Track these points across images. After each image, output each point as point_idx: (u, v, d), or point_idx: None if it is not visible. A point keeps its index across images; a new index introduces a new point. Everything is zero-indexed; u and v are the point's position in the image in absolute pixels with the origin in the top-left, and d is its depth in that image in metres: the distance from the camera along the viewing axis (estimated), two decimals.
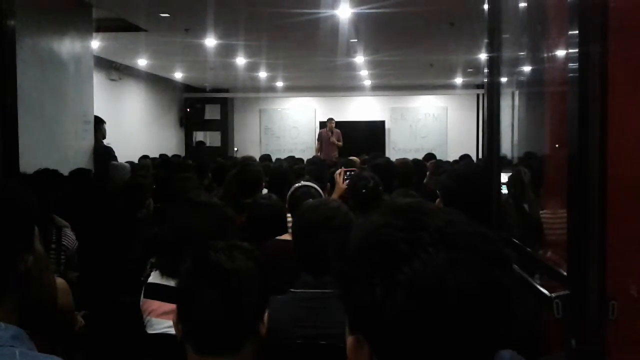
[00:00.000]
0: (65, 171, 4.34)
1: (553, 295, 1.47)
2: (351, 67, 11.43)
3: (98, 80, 8.86)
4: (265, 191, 4.02)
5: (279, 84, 14.60)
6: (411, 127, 15.59)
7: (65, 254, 3.31)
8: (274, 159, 9.52)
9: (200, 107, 15.44)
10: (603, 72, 1.40)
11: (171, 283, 2.02)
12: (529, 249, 2.12)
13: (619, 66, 1.43)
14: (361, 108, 15.70)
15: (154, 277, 2.16)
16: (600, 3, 1.41)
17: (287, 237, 2.80)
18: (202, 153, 12.11)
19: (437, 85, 14.75)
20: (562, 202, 1.59)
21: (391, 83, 14.19)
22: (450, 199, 2.38)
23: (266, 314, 1.49)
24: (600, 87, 1.40)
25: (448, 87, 14.71)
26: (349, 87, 14.64)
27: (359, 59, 10.43)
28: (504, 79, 2.57)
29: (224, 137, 15.57)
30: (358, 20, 7.19)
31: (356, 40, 8.57)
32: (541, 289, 1.60)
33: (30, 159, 3.63)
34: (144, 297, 2.15)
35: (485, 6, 2.52)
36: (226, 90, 15.55)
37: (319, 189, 3.27)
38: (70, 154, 5.86)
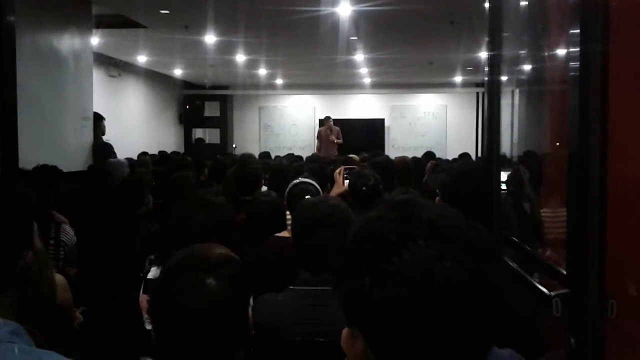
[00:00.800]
0: (64, 167, 4.33)
1: (552, 293, 1.47)
2: (351, 65, 11.42)
3: (97, 76, 8.85)
4: (264, 188, 4.02)
5: (279, 81, 14.59)
6: (411, 125, 15.59)
7: (64, 249, 3.32)
8: (273, 157, 9.52)
9: (200, 104, 15.42)
10: (604, 70, 1.39)
11: None
12: (528, 248, 2.12)
13: (620, 65, 1.43)
14: (361, 106, 15.70)
15: (153, 273, 2.16)
16: (601, 1, 1.41)
17: (285, 234, 2.80)
18: (201, 150, 12.12)
19: (436, 84, 14.76)
20: (562, 200, 1.59)
21: (391, 81, 14.19)
22: (450, 197, 2.37)
23: (250, 314, 1.43)
24: (601, 85, 1.40)
25: (448, 86, 14.71)
26: (349, 84, 14.64)
27: (359, 56, 10.42)
28: (504, 78, 2.57)
29: (223, 134, 15.56)
30: (358, 18, 7.18)
31: (356, 38, 8.56)
32: (540, 287, 1.60)
33: (30, 155, 3.63)
34: (143, 293, 2.15)
35: (486, 4, 2.52)
36: (226, 88, 15.54)
37: (317, 185, 3.27)
38: (69, 151, 5.85)
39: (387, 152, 12.26)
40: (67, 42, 5.96)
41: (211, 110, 15.58)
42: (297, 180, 3.32)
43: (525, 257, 2.05)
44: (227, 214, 2.19)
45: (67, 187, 4.04)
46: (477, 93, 14.64)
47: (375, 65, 11.44)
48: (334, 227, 1.89)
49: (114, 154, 6.64)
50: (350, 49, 9.43)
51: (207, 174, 5.99)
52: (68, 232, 3.37)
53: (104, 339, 2.83)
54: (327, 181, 4.21)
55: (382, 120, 15.49)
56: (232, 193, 3.70)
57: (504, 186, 2.53)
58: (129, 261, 3.08)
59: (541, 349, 1.83)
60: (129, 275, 2.87)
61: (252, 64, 11.51)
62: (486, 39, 2.57)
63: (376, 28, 7.84)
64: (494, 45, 2.50)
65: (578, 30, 1.43)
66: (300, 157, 9.04)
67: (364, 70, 12.46)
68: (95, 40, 7.79)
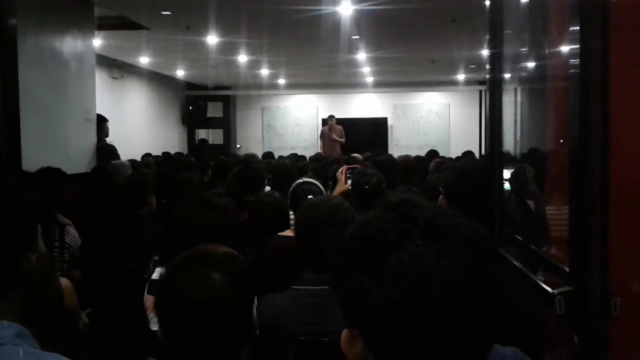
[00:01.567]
0: (67, 169, 4.34)
1: (555, 291, 1.47)
2: (353, 64, 11.42)
3: (100, 78, 8.87)
4: (267, 189, 4.02)
5: (281, 81, 14.59)
6: (414, 124, 15.57)
7: (68, 252, 3.33)
8: (276, 157, 9.52)
9: (203, 105, 15.43)
10: (604, 68, 1.39)
11: None
12: (531, 246, 2.12)
13: (621, 62, 1.43)
14: (363, 105, 15.69)
15: (157, 274, 2.17)
16: None
17: (288, 233, 2.80)
18: (204, 151, 12.12)
19: (439, 82, 14.73)
20: (565, 198, 1.59)
21: (393, 80, 14.17)
22: (453, 195, 2.37)
23: (255, 313, 1.44)
24: (601, 83, 1.40)
25: (450, 84, 14.68)
26: (351, 84, 14.63)
27: (361, 55, 10.42)
28: (506, 75, 2.56)
29: (226, 135, 15.57)
30: (360, 17, 7.18)
31: (358, 37, 8.56)
32: (543, 285, 1.60)
33: (33, 158, 3.63)
34: (147, 293, 2.16)
35: (487, 2, 2.52)
36: (228, 88, 15.54)
37: (320, 185, 3.28)
38: (72, 153, 5.87)
39: (390, 151, 12.25)
40: (69, 44, 5.98)
41: (214, 110, 15.59)
42: (300, 180, 3.33)
43: (528, 255, 2.05)
44: (230, 216, 2.20)
45: (71, 189, 4.05)
46: (480, 91, 14.61)
47: (377, 64, 11.43)
48: (337, 226, 1.89)
49: (117, 156, 6.65)
50: (352, 48, 9.43)
51: (211, 174, 6.00)
52: (72, 235, 3.38)
53: (108, 341, 2.83)
54: (330, 180, 4.21)
55: (385, 119, 15.48)
56: (235, 193, 3.71)
57: (507, 184, 2.53)
58: (132, 262, 3.09)
59: (544, 347, 1.83)
60: (133, 276, 2.88)
61: (254, 64, 11.52)
62: (487, 36, 2.56)
63: (378, 27, 7.83)
64: (495, 43, 2.50)
65: (578, 28, 1.43)
66: (303, 157, 9.04)
67: (366, 69, 12.45)
68: (97, 42, 7.80)
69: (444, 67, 12.23)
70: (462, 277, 0.72)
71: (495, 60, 2.51)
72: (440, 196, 2.50)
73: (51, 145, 5.37)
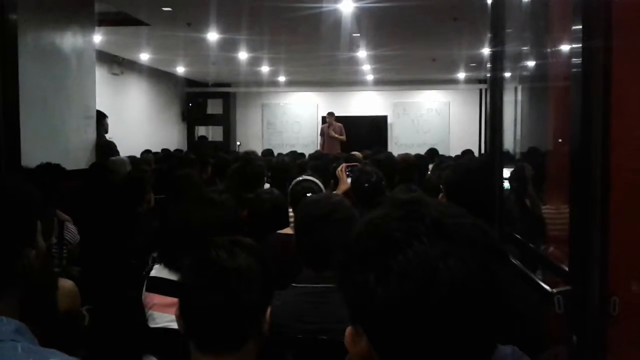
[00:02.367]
0: (67, 166, 4.33)
1: (554, 290, 1.47)
2: (353, 62, 11.41)
3: (100, 74, 8.86)
4: (267, 186, 4.02)
5: (281, 78, 14.59)
6: (414, 122, 15.56)
7: (67, 248, 3.32)
8: (276, 154, 9.52)
9: (203, 102, 15.43)
10: (606, 67, 1.39)
11: (173, 276, 2.02)
12: (531, 245, 2.12)
13: (623, 61, 1.42)
14: (363, 103, 15.68)
15: (156, 271, 2.16)
16: None
17: (288, 231, 2.80)
18: (204, 148, 12.11)
19: (439, 80, 14.73)
20: (564, 197, 1.59)
21: (394, 78, 14.17)
22: (454, 193, 2.37)
23: (269, 310, 1.48)
24: (603, 82, 1.39)
25: (451, 82, 14.68)
26: (352, 81, 14.63)
27: (362, 53, 10.41)
28: (507, 74, 2.56)
29: (226, 132, 15.56)
30: (360, 14, 7.17)
31: (358, 34, 8.55)
32: (542, 284, 1.60)
33: (32, 154, 3.63)
34: (146, 290, 2.16)
35: (488, 0, 2.51)
36: (228, 85, 15.54)
37: (319, 183, 3.28)
38: (72, 149, 5.86)
39: (390, 149, 12.23)
40: (69, 40, 5.97)
41: (214, 107, 15.59)
42: (300, 178, 3.33)
43: (528, 254, 2.05)
44: (229, 213, 2.20)
45: (71, 185, 4.04)
46: (481, 90, 14.60)
47: (377, 62, 11.43)
48: (336, 224, 1.89)
49: (117, 152, 6.65)
50: (352, 45, 9.42)
51: (210, 171, 5.99)
52: (71, 231, 3.37)
53: (107, 337, 2.83)
54: (330, 178, 4.21)
55: (385, 117, 15.47)
56: (234, 190, 3.70)
57: (507, 183, 2.53)
58: (131, 259, 3.09)
59: (544, 346, 1.83)
60: (131, 272, 2.88)
61: (254, 62, 11.51)
62: (489, 35, 2.56)
63: (378, 25, 7.83)
64: (497, 42, 2.50)
65: (581, 27, 1.42)
66: (303, 155, 9.03)
67: (366, 67, 12.45)
68: (97, 38, 7.79)
69: (444, 66, 12.22)
70: (468, 277, 0.72)
71: (497, 58, 2.51)
72: (440, 194, 2.50)
73: (51, 141, 5.37)
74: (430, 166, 6.43)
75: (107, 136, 6.99)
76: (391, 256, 0.74)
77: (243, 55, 10.58)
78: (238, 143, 15.39)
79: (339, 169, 3.86)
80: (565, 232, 1.56)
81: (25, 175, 3.15)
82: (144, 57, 11.19)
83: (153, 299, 2.10)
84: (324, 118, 13.51)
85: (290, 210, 3.15)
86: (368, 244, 0.77)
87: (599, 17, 1.40)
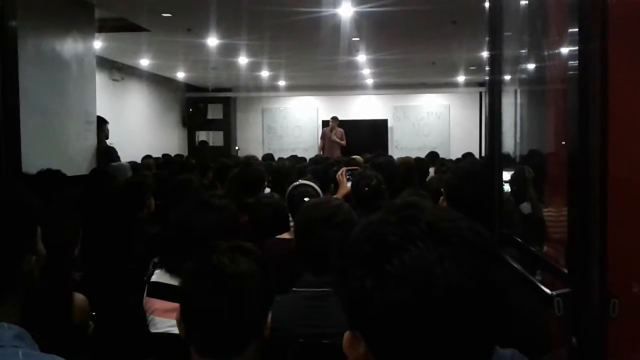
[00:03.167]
0: (68, 172, 4.34)
1: (554, 293, 1.47)
2: (353, 66, 11.42)
3: (100, 80, 8.88)
4: (267, 190, 4.02)
5: (281, 83, 14.60)
6: (414, 126, 15.57)
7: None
8: (276, 158, 9.52)
9: (203, 107, 15.44)
10: (603, 69, 1.39)
11: (174, 281, 2.03)
12: (530, 247, 2.12)
13: (620, 63, 1.43)
14: (364, 107, 15.69)
15: (157, 276, 2.17)
16: (600, 0, 1.41)
17: (287, 235, 2.81)
18: (205, 153, 12.13)
19: (439, 84, 14.74)
20: (564, 199, 1.59)
21: (393, 81, 14.18)
22: (454, 197, 2.37)
23: (269, 314, 1.49)
24: (600, 85, 1.40)
25: (451, 86, 14.68)
26: (352, 85, 14.64)
27: (361, 57, 10.43)
28: (505, 77, 2.56)
29: (226, 137, 15.57)
30: (360, 18, 7.18)
31: (358, 38, 8.56)
32: (542, 286, 1.60)
33: (33, 160, 3.64)
34: (147, 295, 2.16)
35: (486, 4, 2.52)
36: (228, 90, 15.54)
37: (317, 187, 3.28)
38: (73, 155, 5.87)
39: (390, 153, 12.25)
40: (69, 46, 5.98)
41: (214, 112, 15.60)
42: (297, 183, 3.33)
43: (527, 256, 2.05)
44: (230, 217, 2.20)
45: (72, 191, 4.05)
46: (480, 93, 14.60)
47: (377, 65, 11.44)
48: (336, 228, 1.89)
49: (117, 158, 6.66)
50: (352, 50, 9.43)
51: (211, 176, 6.00)
52: None
53: (109, 343, 2.83)
54: (331, 182, 4.21)
55: (385, 121, 15.48)
56: (235, 195, 3.71)
57: (507, 185, 2.53)
58: (132, 264, 3.09)
59: (543, 348, 1.83)
60: (132, 278, 2.88)
61: (254, 66, 11.53)
62: (487, 38, 2.56)
63: (378, 29, 7.84)
64: (495, 45, 2.50)
65: (577, 29, 1.43)
66: (303, 159, 9.04)
67: (366, 71, 12.46)
68: (97, 44, 7.81)
69: (444, 69, 12.23)
70: (464, 281, 0.73)
71: (495, 62, 2.51)
72: (441, 197, 2.50)
73: (51, 147, 5.38)
74: (432, 170, 6.44)
75: (108, 142, 7.00)
76: (387, 260, 0.74)
77: (243, 60, 10.60)
78: (237, 148, 15.38)
79: (339, 172, 3.86)
80: (564, 234, 1.56)
81: (26, 181, 3.15)
82: (144, 62, 11.21)
83: (154, 304, 2.11)
84: (324, 122, 13.51)
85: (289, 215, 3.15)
86: (364, 248, 0.77)
87: (596, 19, 1.40)
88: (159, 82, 13.07)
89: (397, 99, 15.50)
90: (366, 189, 3.37)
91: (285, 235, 2.83)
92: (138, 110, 12.22)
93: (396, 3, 6.26)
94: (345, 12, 6.86)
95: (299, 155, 10.31)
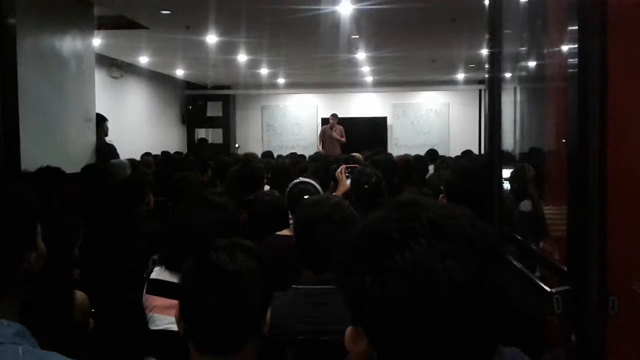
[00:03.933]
0: (67, 169, 4.34)
1: (553, 290, 1.47)
2: (353, 64, 11.41)
3: (99, 78, 8.86)
4: (267, 188, 4.02)
5: (281, 80, 14.59)
6: (413, 124, 15.56)
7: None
8: (275, 156, 9.52)
9: (202, 104, 15.42)
10: (603, 67, 1.39)
11: (173, 279, 2.03)
12: (530, 245, 2.12)
13: (619, 61, 1.43)
14: (363, 104, 15.68)
15: (157, 273, 2.17)
16: None
17: (287, 232, 2.81)
18: (204, 150, 12.12)
19: (439, 81, 14.72)
20: (563, 197, 1.59)
21: (393, 79, 14.17)
22: (454, 194, 2.38)
23: (269, 312, 1.49)
24: (600, 82, 1.40)
25: (450, 83, 14.68)
26: (351, 83, 14.62)
27: (361, 55, 10.42)
28: (505, 75, 2.56)
29: (226, 134, 15.56)
30: (359, 16, 7.18)
31: (357, 36, 8.56)
32: (541, 284, 1.60)
33: (32, 157, 3.64)
34: (147, 293, 2.16)
35: (486, 1, 2.52)
36: (228, 87, 15.53)
37: (317, 185, 3.28)
38: (72, 152, 5.87)
39: (390, 150, 12.25)
40: (69, 44, 5.97)
41: (214, 110, 15.58)
42: (297, 181, 3.33)
43: (527, 253, 2.05)
44: (229, 215, 2.20)
45: (71, 188, 4.05)
46: (480, 90, 14.60)
47: (377, 63, 11.44)
48: (335, 225, 1.89)
49: (117, 155, 6.65)
50: (351, 47, 9.42)
51: (210, 173, 6.00)
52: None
53: (108, 340, 2.83)
54: (330, 180, 4.21)
55: (384, 119, 15.47)
56: (234, 192, 3.71)
57: (506, 183, 2.53)
58: (131, 262, 3.09)
59: (544, 346, 1.83)
60: (132, 275, 2.88)
61: (253, 64, 11.52)
62: (486, 35, 2.56)
63: (377, 26, 7.83)
64: (494, 42, 2.50)
65: (577, 27, 1.43)
66: (303, 157, 9.04)
67: (365, 69, 12.45)
68: (97, 41, 7.80)
69: (443, 67, 12.22)
70: (466, 277, 0.73)
71: (494, 59, 2.51)
72: (441, 195, 2.50)
73: (50, 144, 5.37)
74: (431, 167, 6.44)
75: (107, 139, 7.00)
76: (389, 257, 0.74)
77: (242, 57, 10.59)
78: (237, 145, 15.38)
79: (339, 170, 3.86)
80: (563, 232, 1.56)
81: (25, 179, 3.15)
82: (143, 60, 11.19)
83: (154, 301, 2.11)
84: (324, 120, 13.49)
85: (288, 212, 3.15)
86: (366, 245, 0.78)
87: (595, 17, 1.40)
88: (158, 79, 13.06)
89: (397, 96, 15.49)
90: (366, 186, 3.37)
91: (285, 232, 2.83)
92: (137, 108, 12.20)
93: (395, 1, 6.26)
94: (345, 9, 6.86)
95: (298, 153, 10.30)
